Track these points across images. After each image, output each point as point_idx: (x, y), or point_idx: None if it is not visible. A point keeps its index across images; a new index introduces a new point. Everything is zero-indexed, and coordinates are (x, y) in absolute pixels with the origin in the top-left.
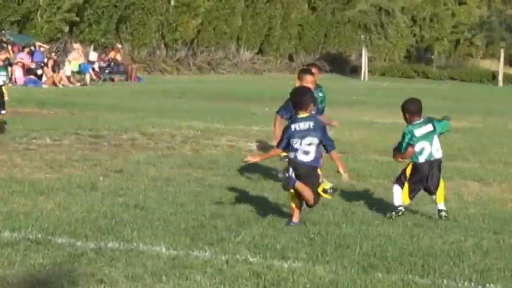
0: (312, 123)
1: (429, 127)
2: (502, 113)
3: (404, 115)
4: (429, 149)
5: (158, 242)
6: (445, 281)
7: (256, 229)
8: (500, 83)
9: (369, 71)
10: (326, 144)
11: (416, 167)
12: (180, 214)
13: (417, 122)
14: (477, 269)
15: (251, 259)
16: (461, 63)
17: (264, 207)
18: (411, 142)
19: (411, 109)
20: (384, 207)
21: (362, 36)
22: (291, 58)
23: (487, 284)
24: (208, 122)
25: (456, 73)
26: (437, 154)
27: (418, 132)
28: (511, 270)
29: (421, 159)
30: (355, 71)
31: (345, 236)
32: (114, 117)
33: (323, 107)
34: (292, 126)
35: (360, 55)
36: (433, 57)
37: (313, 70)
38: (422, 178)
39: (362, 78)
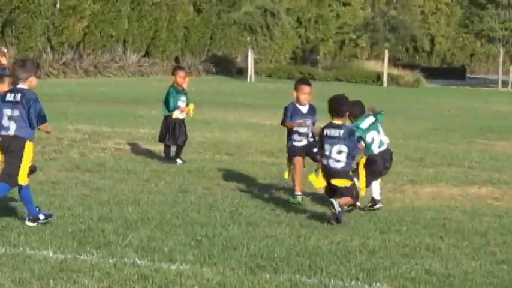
0: (342, 131)
1: (371, 119)
2: (388, 114)
3: (349, 118)
4: (378, 138)
5: (45, 246)
6: (332, 280)
7: (143, 232)
8: (385, 84)
9: (255, 73)
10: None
11: (372, 158)
12: (67, 218)
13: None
14: (364, 268)
15: (139, 262)
16: (346, 64)
17: (151, 209)
18: (361, 136)
19: (355, 112)
20: (271, 208)
21: (248, 38)
22: (177, 60)
23: (374, 283)
24: (95, 125)
25: (341, 74)
26: (386, 141)
27: (363, 124)
28: (397, 269)
29: (375, 149)
30: (241, 72)
31: (232, 237)
32: None
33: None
34: (325, 131)
35: (246, 57)
36: (318, 58)
37: (182, 72)
38: (380, 169)
39: (248, 80)
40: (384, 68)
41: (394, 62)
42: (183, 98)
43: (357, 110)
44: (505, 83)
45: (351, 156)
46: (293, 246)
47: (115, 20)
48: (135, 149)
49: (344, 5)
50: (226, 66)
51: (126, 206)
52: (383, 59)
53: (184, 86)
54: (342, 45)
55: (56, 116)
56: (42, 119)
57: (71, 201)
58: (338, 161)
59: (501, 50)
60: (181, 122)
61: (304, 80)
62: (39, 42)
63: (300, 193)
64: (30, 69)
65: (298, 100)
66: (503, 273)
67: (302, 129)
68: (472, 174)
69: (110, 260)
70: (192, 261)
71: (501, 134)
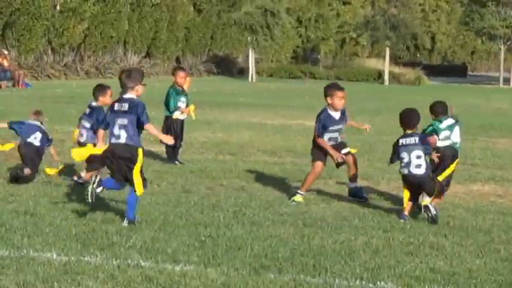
0: (416, 138)
1: (450, 121)
2: (390, 112)
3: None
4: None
5: (49, 248)
6: (336, 280)
7: (147, 233)
8: (386, 82)
9: (256, 73)
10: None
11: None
12: (71, 220)
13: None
14: (368, 267)
15: (143, 263)
16: (347, 63)
17: (154, 210)
18: (436, 131)
19: (436, 111)
20: (275, 207)
21: (248, 38)
22: (178, 61)
23: (378, 282)
24: None
25: (343, 73)
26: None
27: (442, 125)
28: (401, 268)
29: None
30: (242, 72)
31: (235, 237)
32: None
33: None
34: (400, 141)
35: (247, 57)
36: (319, 57)
37: (182, 73)
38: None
39: (250, 80)
40: (385, 66)
41: (395, 60)
42: (183, 98)
43: (438, 109)
44: (506, 81)
45: (427, 158)
46: (297, 246)
47: (115, 21)
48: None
49: (344, 3)
50: (228, 66)
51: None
52: (384, 57)
53: (186, 86)
54: (342, 44)
55: (57, 118)
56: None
57: (74, 203)
58: (419, 165)
59: (502, 48)
60: (181, 123)
61: (336, 85)
62: (39, 44)
63: (303, 192)
64: (137, 79)
65: (333, 106)
66: (508, 270)
67: (333, 135)
68: (474, 171)
69: (114, 262)
70: (196, 262)
71: (503, 131)
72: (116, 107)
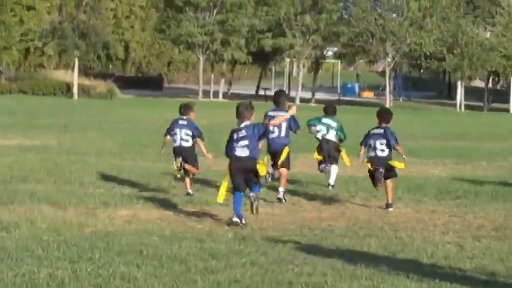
0: (382, 131)
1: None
2: (79, 129)
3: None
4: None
5: None
6: None
7: None
8: (76, 95)
9: None
10: None
11: None
12: None
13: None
14: None
15: None
16: (32, 75)
17: None
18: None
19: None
20: None
21: None
22: None
23: None
24: None
25: (27, 85)
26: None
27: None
28: None
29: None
30: None
31: None
32: None
33: None
34: (370, 132)
35: None
36: (1, 68)
37: None
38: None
39: None
40: (74, 78)
41: (85, 71)
42: None
43: (330, 109)
44: (205, 93)
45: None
46: None
47: None
48: None
49: (28, 9)
50: None
51: None
52: (73, 68)
53: None
54: (26, 53)
55: None
56: (264, 133)
57: None
58: (383, 150)
59: (201, 57)
60: None
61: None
62: None
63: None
64: (251, 111)
65: None
66: None
67: None
68: (172, 194)
69: None
70: None
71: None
72: (239, 134)
